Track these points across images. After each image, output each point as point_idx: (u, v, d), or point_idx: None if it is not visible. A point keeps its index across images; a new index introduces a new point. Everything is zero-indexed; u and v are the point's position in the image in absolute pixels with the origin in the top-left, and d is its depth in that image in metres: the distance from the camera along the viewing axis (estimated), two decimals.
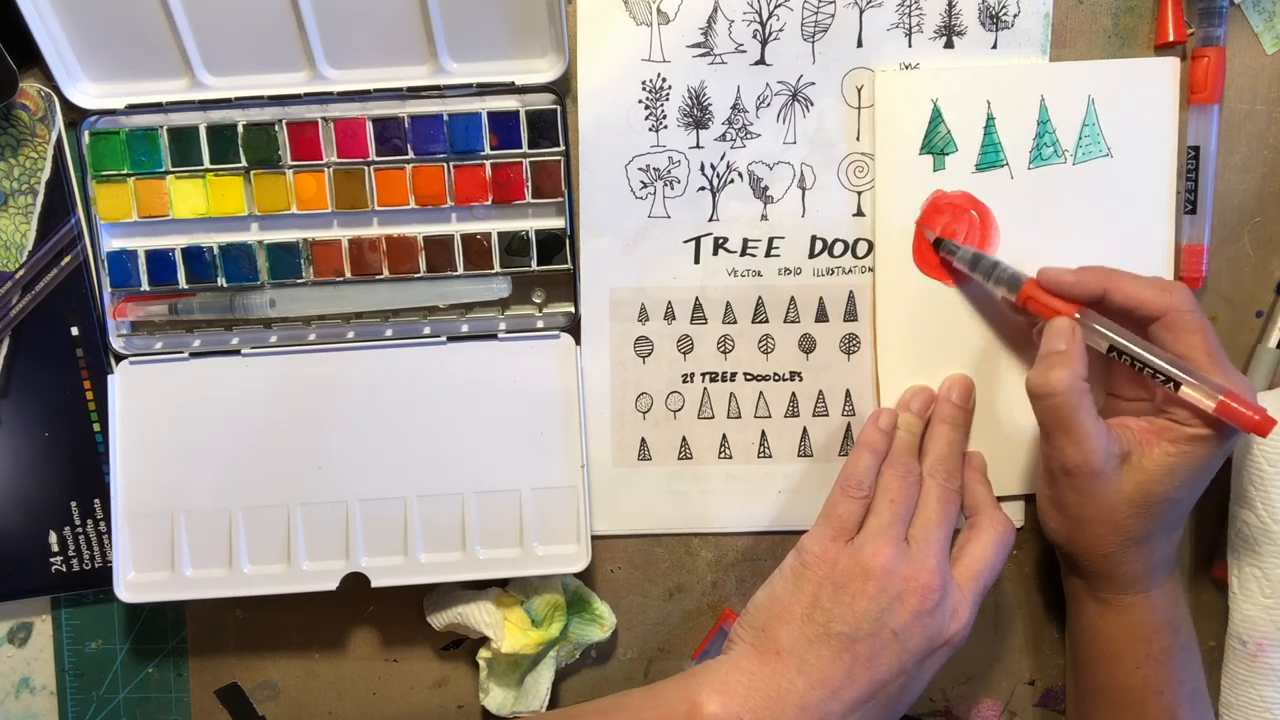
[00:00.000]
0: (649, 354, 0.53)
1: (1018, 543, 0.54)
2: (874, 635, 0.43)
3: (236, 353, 0.51)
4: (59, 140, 0.50)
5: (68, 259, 0.51)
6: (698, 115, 0.51)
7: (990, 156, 0.51)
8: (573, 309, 0.52)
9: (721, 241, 0.52)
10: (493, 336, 0.51)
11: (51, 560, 0.52)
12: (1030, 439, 0.52)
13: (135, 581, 0.51)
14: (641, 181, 0.51)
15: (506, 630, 0.51)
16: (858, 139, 0.51)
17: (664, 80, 0.50)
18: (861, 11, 0.50)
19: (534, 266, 0.51)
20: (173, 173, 0.50)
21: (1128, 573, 0.46)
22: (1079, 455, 0.44)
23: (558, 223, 0.51)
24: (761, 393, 0.53)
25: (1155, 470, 0.44)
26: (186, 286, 0.51)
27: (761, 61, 0.50)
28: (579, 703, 0.53)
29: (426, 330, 0.51)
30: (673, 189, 0.51)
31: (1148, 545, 0.46)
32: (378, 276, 0.51)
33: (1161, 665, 0.47)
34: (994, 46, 0.51)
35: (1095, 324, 0.45)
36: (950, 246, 0.50)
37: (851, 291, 0.52)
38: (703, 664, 0.44)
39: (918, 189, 0.51)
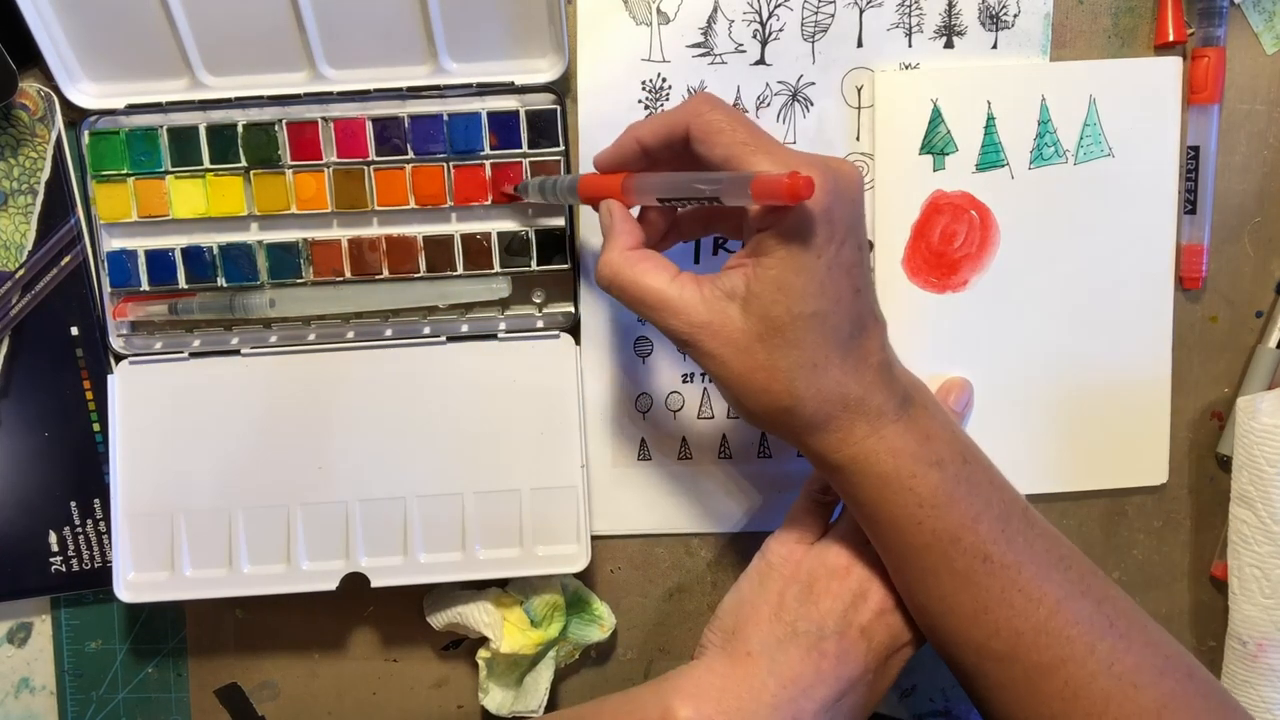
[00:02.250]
0: (649, 354, 0.53)
1: None
2: (841, 633, 0.43)
3: (236, 353, 0.51)
4: (59, 140, 0.50)
5: (68, 259, 0.51)
6: None
7: (991, 156, 0.51)
8: (573, 309, 0.52)
9: (722, 241, 0.52)
10: (493, 336, 0.51)
11: (51, 560, 0.52)
12: (1029, 440, 0.52)
13: (135, 581, 0.51)
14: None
15: (506, 630, 0.51)
16: (858, 139, 0.51)
17: (664, 80, 0.50)
18: (861, 11, 0.50)
19: (534, 266, 0.51)
20: (173, 173, 0.50)
21: (820, 409, 0.40)
22: (680, 321, 0.40)
23: (558, 223, 0.51)
24: None
25: (764, 292, 0.38)
26: (186, 286, 0.51)
27: (761, 61, 0.50)
28: (578, 704, 0.53)
29: (426, 330, 0.51)
30: None
31: (816, 375, 0.39)
32: (378, 276, 0.51)
33: (940, 505, 0.40)
34: (994, 46, 0.51)
35: (642, 182, 0.42)
36: (519, 189, 0.49)
37: None
38: (675, 669, 0.44)
39: (918, 189, 0.51)
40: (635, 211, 0.44)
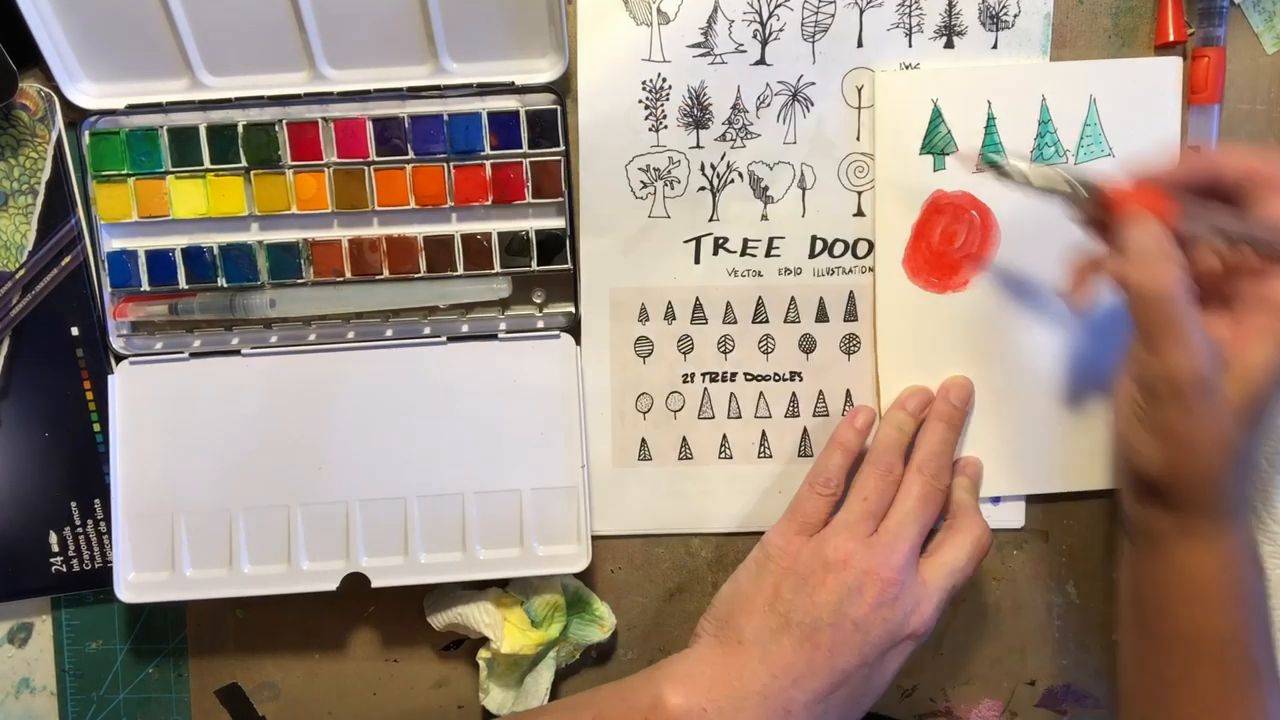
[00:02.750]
0: (649, 354, 0.53)
1: (1019, 543, 0.55)
2: (834, 626, 0.43)
3: (236, 353, 0.51)
4: (59, 140, 0.50)
5: (68, 259, 0.51)
6: (698, 115, 0.51)
7: None
8: (573, 309, 0.52)
9: (721, 241, 0.52)
10: (493, 336, 0.51)
11: (51, 560, 0.52)
12: (1029, 440, 0.52)
13: (135, 581, 0.51)
14: (641, 181, 0.51)
15: (506, 631, 0.51)
16: (858, 139, 0.51)
17: (664, 80, 0.50)
18: (861, 11, 0.50)
19: (534, 266, 0.51)
20: (173, 173, 0.50)
21: (1230, 497, 0.42)
22: (1189, 362, 0.39)
23: (558, 223, 0.51)
24: (762, 393, 0.53)
25: (1258, 371, 0.40)
26: (186, 286, 0.51)
27: (761, 61, 0.50)
28: None
29: (426, 330, 0.51)
30: (673, 189, 0.51)
31: (1248, 461, 0.42)
32: (378, 276, 0.51)
33: (1247, 606, 0.43)
34: (994, 46, 0.51)
35: (1210, 216, 0.41)
36: (1004, 170, 0.46)
37: (852, 291, 0.52)
38: (668, 658, 0.45)
39: (918, 189, 0.51)
40: None
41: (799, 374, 0.53)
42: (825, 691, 0.43)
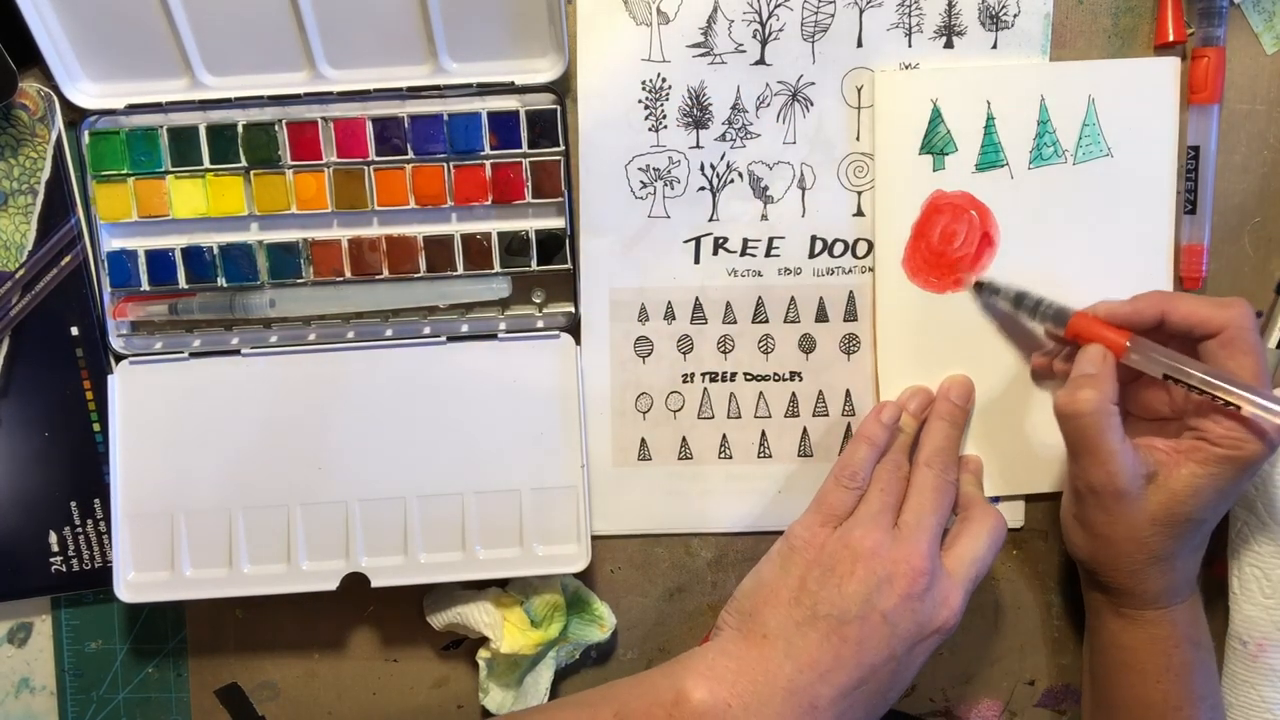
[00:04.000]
0: (649, 354, 0.53)
1: (1018, 543, 0.55)
2: (863, 618, 0.42)
3: (236, 353, 0.51)
4: (59, 140, 0.50)
5: (68, 259, 0.51)
6: (698, 115, 0.51)
7: (990, 156, 0.51)
8: (573, 309, 0.52)
9: (721, 241, 0.52)
10: (493, 336, 0.51)
11: (51, 560, 0.52)
12: (1029, 440, 0.52)
13: (135, 581, 0.51)
14: (641, 181, 0.51)
15: (506, 630, 0.51)
16: (858, 139, 0.51)
17: (664, 80, 0.50)
18: (861, 11, 0.50)
19: (534, 266, 0.51)
20: (173, 173, 0.50)
21: (1151, 589, 0.47)
22: (1104, 476, 0.44)
23: (558, 223, 0.51)
24: (761, 393, 0.53)
25: (1182, 491, 0.44)
26: (186, 286, 0.51)
27: (761, 61, 0.50)
28: None
29: (426, 330, 0.51)
30: (673, 189, 0.51)
31: (1171, 563, 0.46)
32: (378, 276, 0.51)
33: (1181, 679, 0.47)
34: (994, 46, 0.51)
35: (1150, 351, 0.45)
36: (993, 288, 0.50)
37: (851, 291, 0.52)
38: (690, 651, 0.44)
39: (918, 189, 0.51)
40: None
41: (799, 374, 0.53)
42: (851, 686, 0.42)
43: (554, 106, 0.50)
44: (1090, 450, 0.44)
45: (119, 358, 0.51)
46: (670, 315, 0.53)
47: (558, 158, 0.50)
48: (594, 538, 0.52)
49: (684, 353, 0.53)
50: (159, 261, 0.51)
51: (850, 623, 0.42)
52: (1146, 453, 0.45)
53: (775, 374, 0.53)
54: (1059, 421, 0.45)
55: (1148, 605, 0.47)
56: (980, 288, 0.51)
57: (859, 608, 0.42)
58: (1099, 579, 0.48)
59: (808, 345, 0.53)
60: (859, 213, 0.52)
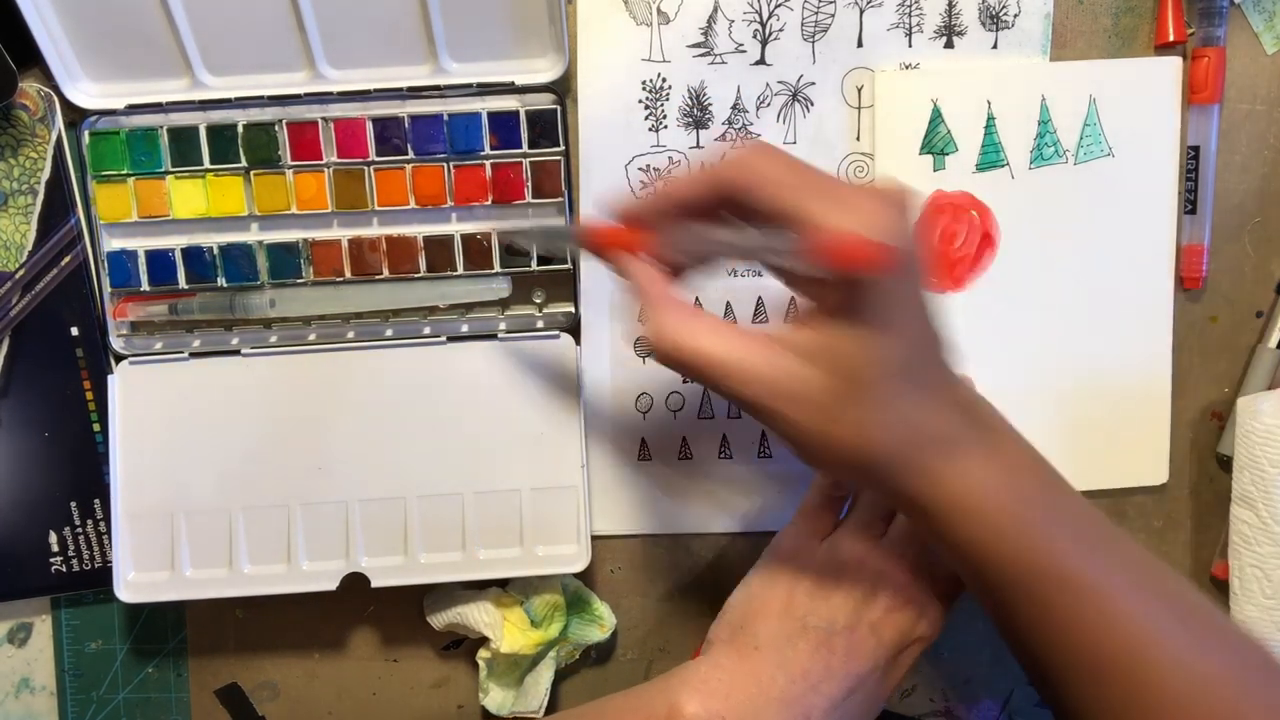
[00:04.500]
0: (649, 354, 0.53)
1: None
2: (850, 629, 0.43)
3: (236, 353, 0.51)
4: (59, 140, 0.50)
5: (68, 259, 0.51)
6: (698, 115, 0.51)
7: (991, 156, 0.51)
8: (573, 309, 0.52)
9: None
10: (493, 336, 0.51)
11: (51, 560, 0.52)
12: (1031, 442, 0.52)
13: (135, 581, 0.51)
14: (641, 181, 0.51)
15: (506, 630, 0.51)
16: (858, 139, 0.51)
17: (664, 80, 0.50)
18: (861, 11, 0.50)
19: (534, 266, 0.51)
20: (173, 173, 0.50)
21: (906, 458, 0.38)
22: (749, 388, 0.36)
23: (558, 223, 0.51)
24: None
25: (849, 352, 0.36)
26: (186, 286, 0.51)
27: (761, 61, 0.50)
28: (578, 704, 0.53)
29: (426, 330, 0.51)
30: None
31: (904, 427, 0.37)
32: (378, 276, 0.51)
33: (1021, 537, 0.39)
34: (994, 46, 0.51)
35: (662, 241, 0.38)
36: (514, 242, 0.48)
37: None
38: (682, 665, 0.44)
39: (918, 189, 0.51)
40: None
41: None
42: (841, 696, 0.42)
43: (554, 106, 0.50)
44: (716, 377, 0.37)
45: (119, 358, 0.51)
46: None
47: (558, 158, 0.50)
48: (594, 538, 0.52)
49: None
50: (159, 261, 0.51)
51: (839, 633, 0.43)
52: (802, 336, 0.37)
53: None
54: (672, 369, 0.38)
55: (933, 483, 0.38)
56: (511, 251, 0.49)
57: (846, 619, 0.43)
58: (872, 482, 0.41)
59: None
60: None
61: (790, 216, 0.35)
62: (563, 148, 0.50)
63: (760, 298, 0.52)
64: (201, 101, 0.49)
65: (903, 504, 0.40)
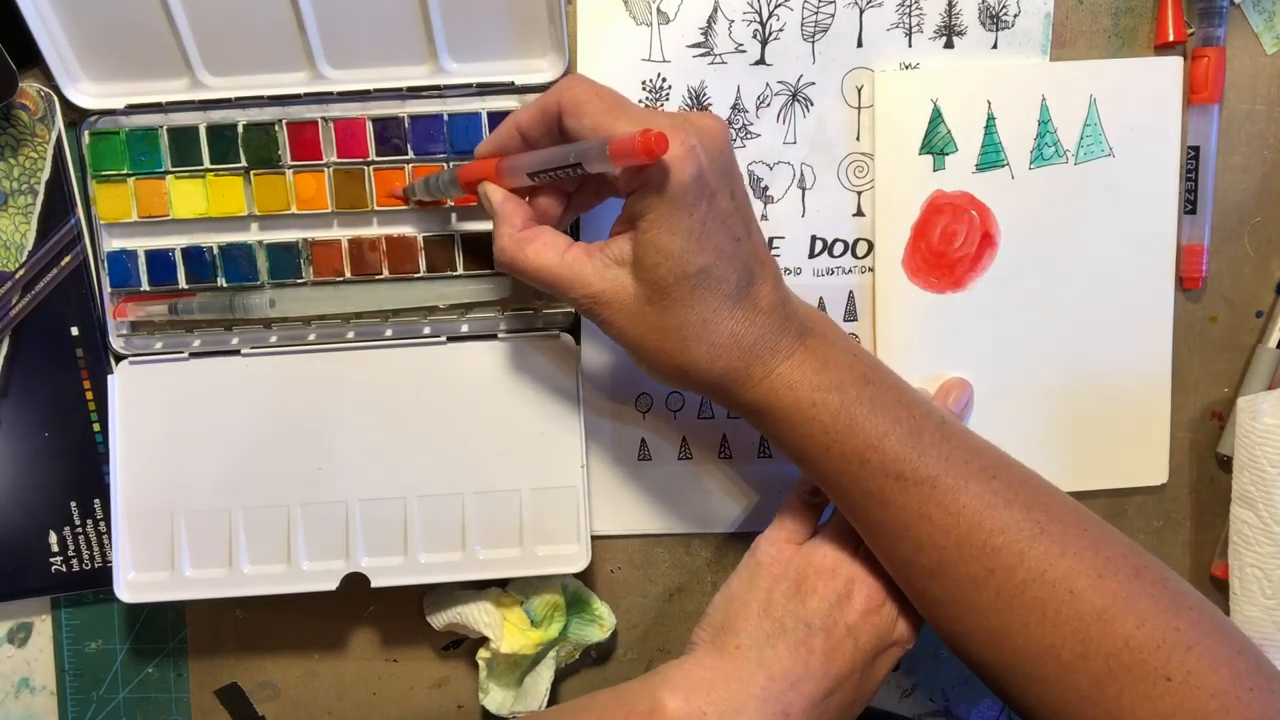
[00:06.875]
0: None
1: None
2: (828, 631, 0.43)
3: (236, 353, 0.51)
4: (59, 140, 0.50)
5: (68, 259, 0.51)
6: None
7: (991, 156, 0.51)
8: (572, 309, 0.52)
9: None
10: (493, 336, 0.51)
11: (51, 560, 0.52)
12: (1029, 441, 0.52)
13: (135, 581, 0.51)
14: None
15: (506, 630, 0.51)
16: (858, 139, 0.51)
17: (664, 80, 0.50)
18: (861, 11, 0.50)
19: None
20: (173, 173, 0.50)
21: (714, 364, 0.41)
22: (573, 291, 0.42)
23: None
24: None
25: (646, 255, 0.40)
26: (186, 286, 0.51)
27: (761, 61, 0.50)
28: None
29: (426, 330, 0.51)
30: None
31: (707, 330, 0.41)
32: (378, 276, 0.51)
33: (842, 429, 0.41)
34: (994, 46, 0.51)
35: (508, 164, 0.43)
36: (407, 191, 0.50)
37: (851, 292, 0.52)
38: (666, 663, 0.45)
39: (918, 189, 0.51)
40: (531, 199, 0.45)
41: None
42: (820, 696, 0.43)
43: None
44: (547, 281, 0.42)
45: (119, 358, 0.51)
46: None
47: None
48: (594, 538, 0.52)
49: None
50: (159, 261, 0.51)
51: (816, 635, 0.43)
52: (615, 243, 0.41)
53: None
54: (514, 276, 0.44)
55: (749, 385, 0.42)
56: (405, 194, 0.50)
57: (823, 621, 0.44)
58: (698, 389, 0.43)
59: None
60: (859, 213, 0.52)
61: (601, 132, 0.40)
62: None
63: None
64: (201, 101, 0.50)
65: (746, 416, 0.44)
